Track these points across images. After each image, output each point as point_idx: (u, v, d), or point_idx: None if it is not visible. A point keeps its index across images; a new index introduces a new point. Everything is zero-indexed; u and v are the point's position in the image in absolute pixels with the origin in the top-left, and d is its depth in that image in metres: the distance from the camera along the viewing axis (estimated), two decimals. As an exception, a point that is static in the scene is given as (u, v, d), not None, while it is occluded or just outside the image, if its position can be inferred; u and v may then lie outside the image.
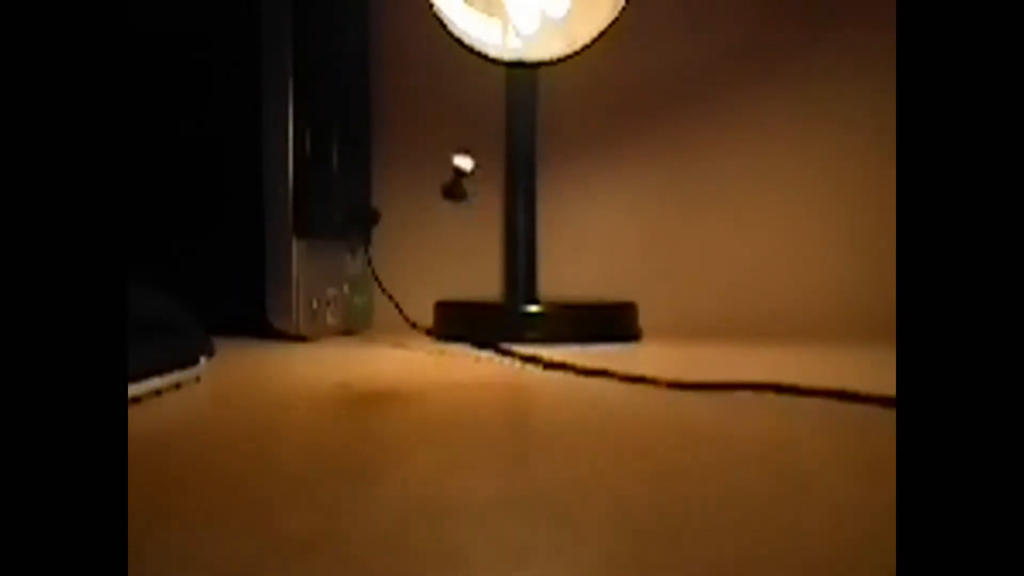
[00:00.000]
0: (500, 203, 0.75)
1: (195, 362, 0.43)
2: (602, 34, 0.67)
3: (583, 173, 0.78)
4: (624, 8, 0.67)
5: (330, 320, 0.67)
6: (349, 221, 0.70)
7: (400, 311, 0.65)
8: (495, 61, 0.68)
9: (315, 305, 0.65)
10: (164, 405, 0.39)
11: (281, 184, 0.62)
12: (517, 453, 0.32)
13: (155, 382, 0.39)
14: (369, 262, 0.70)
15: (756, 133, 0.76)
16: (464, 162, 0.44)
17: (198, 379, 0.44)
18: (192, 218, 0.65)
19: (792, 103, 0.76)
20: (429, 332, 0.65)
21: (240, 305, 0.63)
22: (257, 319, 0.63)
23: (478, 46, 0.68)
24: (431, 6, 0.68)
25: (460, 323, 0.66)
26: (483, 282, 0.78)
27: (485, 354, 0.56)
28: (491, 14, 0.67)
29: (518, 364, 0.51)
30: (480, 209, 0.78)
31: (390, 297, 0.66)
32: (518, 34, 0.67)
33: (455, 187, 0.44)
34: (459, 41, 0.68)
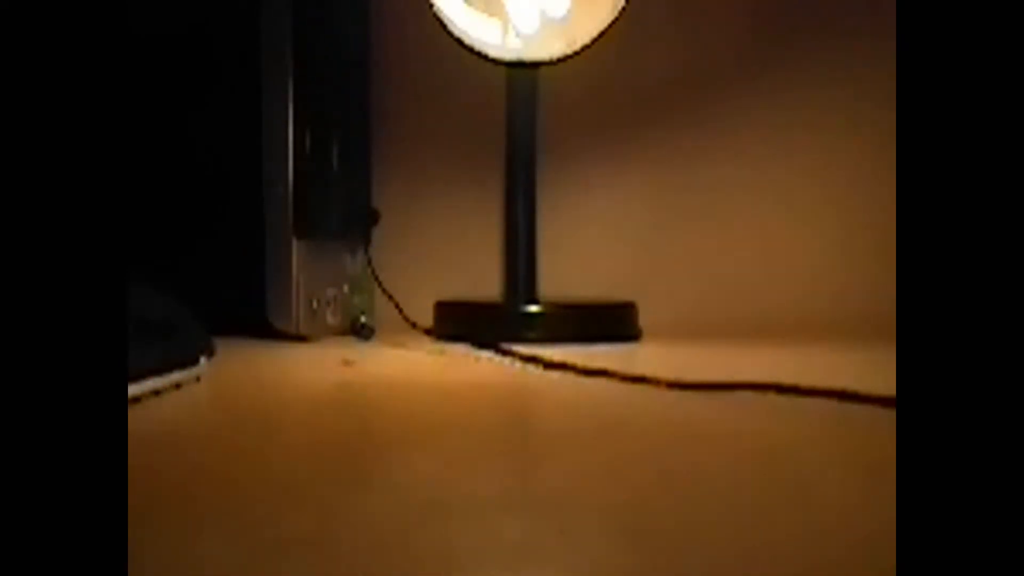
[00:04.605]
0: (500, 203, 0.75)
1: (195, 362, 0.43)
2: (602, 34, 0.67)
3: (583, 173, 0.78)
4: (624, 8, 0.67)
5: (330, 320, 0.67)
6: (349, 221, 0.70)
7: (400, 311, 0.65)
8: (495, 61, 0.68)
9: (315, 305, 0.65)
10: (164, 405, 0.39)
11: (281, 184, 0.62)
12: (517, 453, 0.32)
13: (155, 382, 0.39)
14: (369, 262, 0.70)
15: (757, 132, 0.76)
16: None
17: (198, 379, 0.44)
18: (192, 218, 0.65)
19: (793, 103, 0.76)
20: (429, 332, 0.65)
21: (240, 305, 0.63)
22: (257, 319, 0.63)
23: (478, 46, 0.68)
24: (431, 6, 0.68)
25: (460, 323, 0.66)
26: (483, 282, 0.78)
27: (485, 354, 0.56)
28: (491, 14, 0.67)
29: (518, 364, 0.51)
30: (480, 209, 0.78)
31: (390, 297, 0.66)
32: (518, 34, 0.67)
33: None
34: (459, 41, 0.68)
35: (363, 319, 0.54)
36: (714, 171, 0.77)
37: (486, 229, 0.78)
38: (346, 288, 0.70)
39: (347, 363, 0.54)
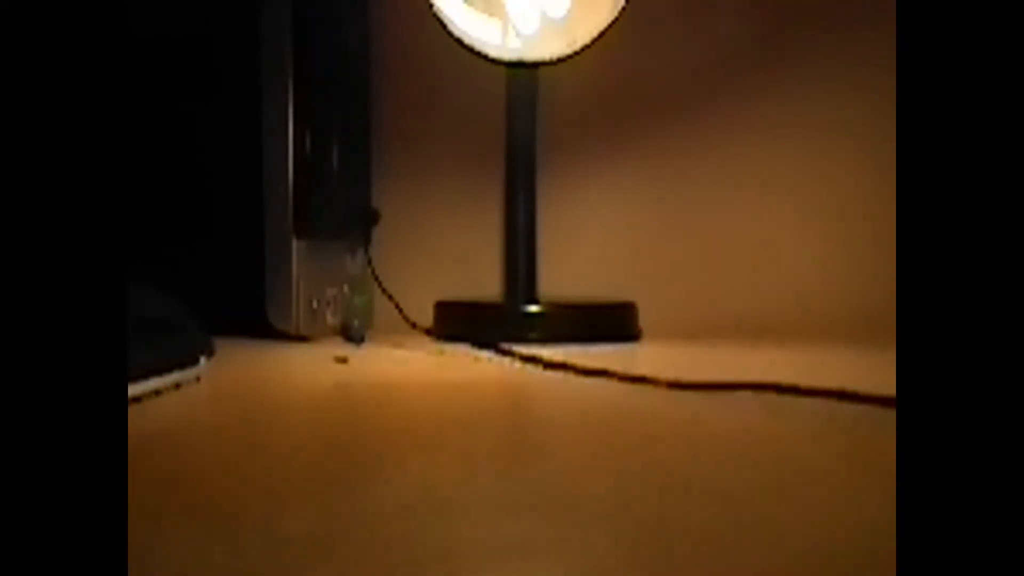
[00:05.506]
0: (500, 203, 0.75)
1: (195, 362, 0.43)
2: (602, 34, 0.67)
3: (583, 173, 0.78)
4: (624, 8, 0.67)
5: (330, 320, 0.67)
6: (349, 221, 0.70)
7: (400, 311, 0.65)
8: (495, 61, 0.68)
9: (315, 305, 0.65)
10: (164, 405, 0.39)
11: (281, 184, 0.62)
12: (517, 453, 0.32)
13: (155, 382, 0.39)
14: (369, 262, 0.70)
15: (756, 133, 0.76)
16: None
17: (198, 379, 0.44)
18: (193, 218, 0.65)
19: (793, 103, 0.76)
20: (429, 332, 0.65)
21: (240, 305, 0.63)
22: (257, 319, 0.63)
23: (478, 46, 0.68)
24: (431, 6, 0.68)
25: (460, 323, 0.66)
26: (483, 282, 0.78)
27: (485, 354, 0.56)
28: (491, 14, 0.67)
29: (518, 364, 0.51)
30: (480, 209, 0.79)
31: (390, 297, 0.66)
32: (518, 34, 0.67)
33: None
34: (459, 41, 0.68)
35: (355, 322, 0.54)
36: (714, 171, 0.77)
37: (486, 229, 0.78)
38: (346, 288, 0.70)
39: (340, 360, 0.54)
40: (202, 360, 0.44)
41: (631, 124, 0.78)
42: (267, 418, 0.38)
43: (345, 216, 0.70)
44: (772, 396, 0.39)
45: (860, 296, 0.73)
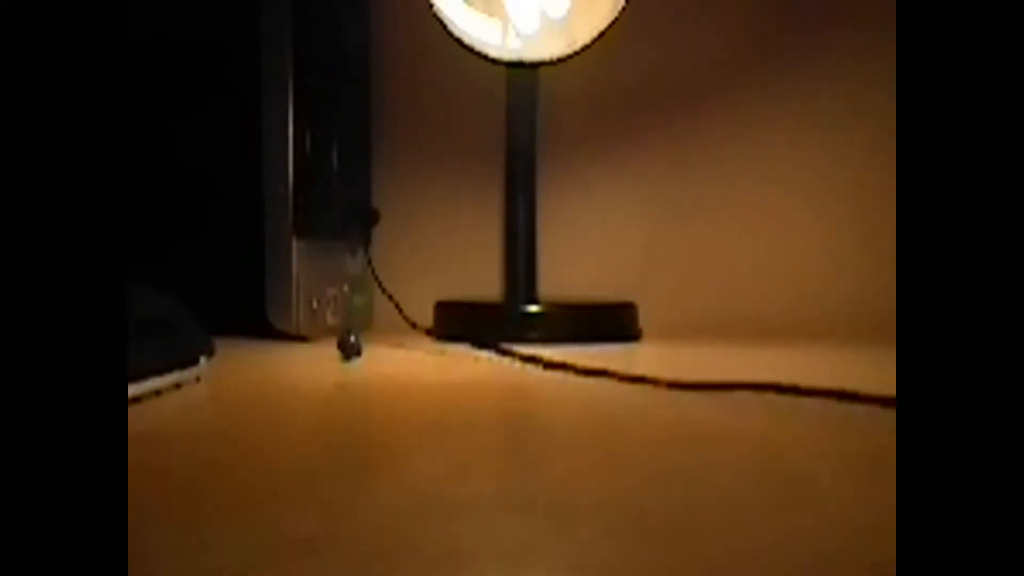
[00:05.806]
0: (500, 203, 0.75)
1: (195, 362, 0.43)
2: (602, 34, 0.67)
3: (583, 173, 0.78)
4: (624, 8, 0.67)
5: (330, 320, 0.67)
6: (349, 221, 0.70)
7: (400, 311, 0.65)
8: (495, 61, 0.68)
9: (315, 305, 0.65)
10: (164, 405, 0.39)
11: (281, 184, 0.62)
12: (517, 453, 0.32)
13: (155, 382, 0.39)
14: (369, 262, 0.70)
15: (756, 133, 0.76)
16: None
17: (198, 379, 0.44)
18: (192, 218, 0.65)
19: (793, 103, 0.76)
20: (429, 332, 0.65)
21: (240, 305, 0.63)
22: (257, 319, 0.63)
23: (478, 46, 0.68)
24: (431, 6, 0.68)
25: (460, 323, 0.66)
26: (483, 282, 0.78)
27: (485, 354, 0.56)
28: (491, 14, 0.67)
29: (518, 364, 0.51)
30: (480, 209, 0.79)
31: (390, 297, 0.66)
32: (518, 34, 0.67)
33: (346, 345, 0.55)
34: (459, 41, 0.68)
35: (352, 337, 0.54)
36: (714, 171, 0.77)
37: (486, 229, 0.78)
38: (346, 288, 0.70)
39: (345, 360, 0.54)
40: (202, 360, 0.44)
41: (631, 124, 0.78)
42: (267, 418, 0.38)
43: (345, 216, 0.70)
44: (772, 396, 0.39)
45: (860, 296, 0.73)
